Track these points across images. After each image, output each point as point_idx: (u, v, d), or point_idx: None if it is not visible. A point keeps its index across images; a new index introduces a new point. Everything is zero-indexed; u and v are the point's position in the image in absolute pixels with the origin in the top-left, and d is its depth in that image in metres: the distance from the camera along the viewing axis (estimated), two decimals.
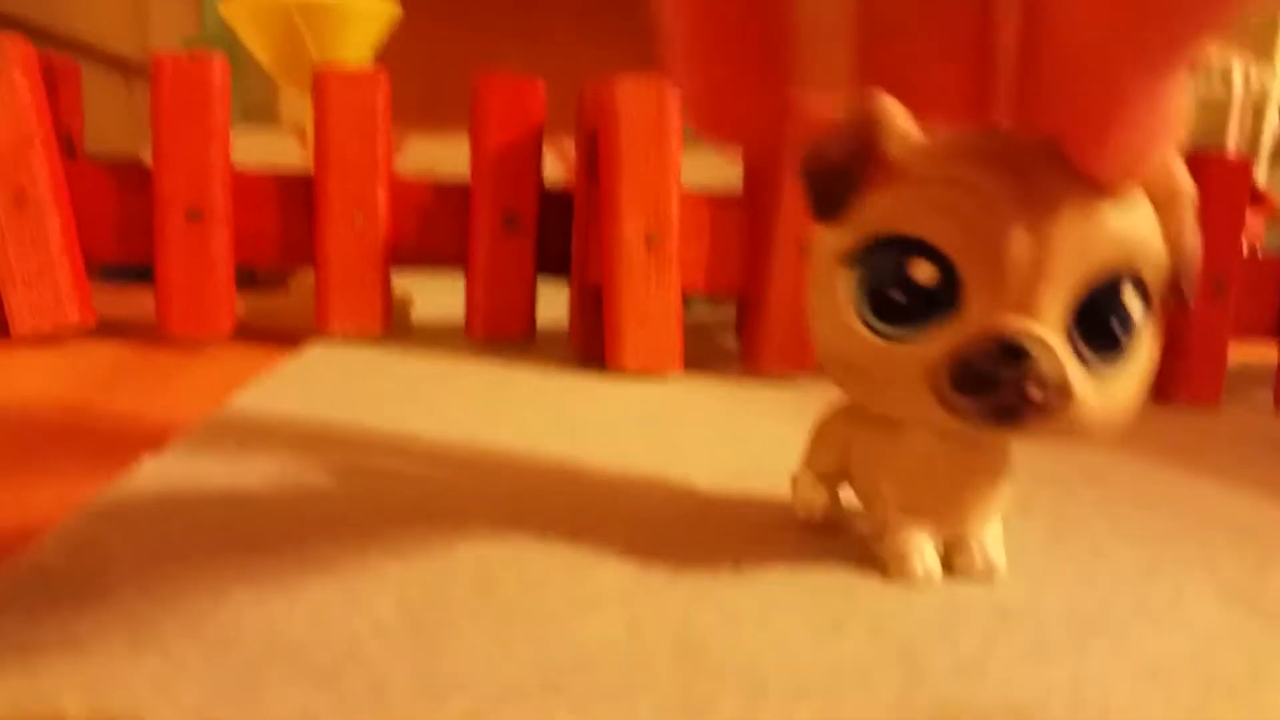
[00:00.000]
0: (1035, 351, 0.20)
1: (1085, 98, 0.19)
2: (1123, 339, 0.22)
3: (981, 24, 0.22)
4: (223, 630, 0.20)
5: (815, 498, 0.29)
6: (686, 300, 0.55)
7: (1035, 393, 0.20)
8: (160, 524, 0.26)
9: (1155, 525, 0.33)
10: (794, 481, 0.30)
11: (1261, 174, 2.29)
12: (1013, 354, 0.20)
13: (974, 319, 0.21)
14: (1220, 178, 0.59)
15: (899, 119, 0.21)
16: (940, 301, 0.21)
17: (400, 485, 0.31)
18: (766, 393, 0.52)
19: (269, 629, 0.21)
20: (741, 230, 0.55)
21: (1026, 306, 0.21)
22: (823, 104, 0.21)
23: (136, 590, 0.22)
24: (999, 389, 0.21)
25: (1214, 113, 2.28)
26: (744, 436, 0.42)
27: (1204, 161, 0.60)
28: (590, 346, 0.55)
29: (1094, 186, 0.21)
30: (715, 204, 0.55)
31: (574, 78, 0.60)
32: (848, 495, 0.29)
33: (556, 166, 0.86)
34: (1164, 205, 0.22)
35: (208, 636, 0.20)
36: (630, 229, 0.52)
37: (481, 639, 0.21)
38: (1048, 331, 0.21)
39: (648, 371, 0.53)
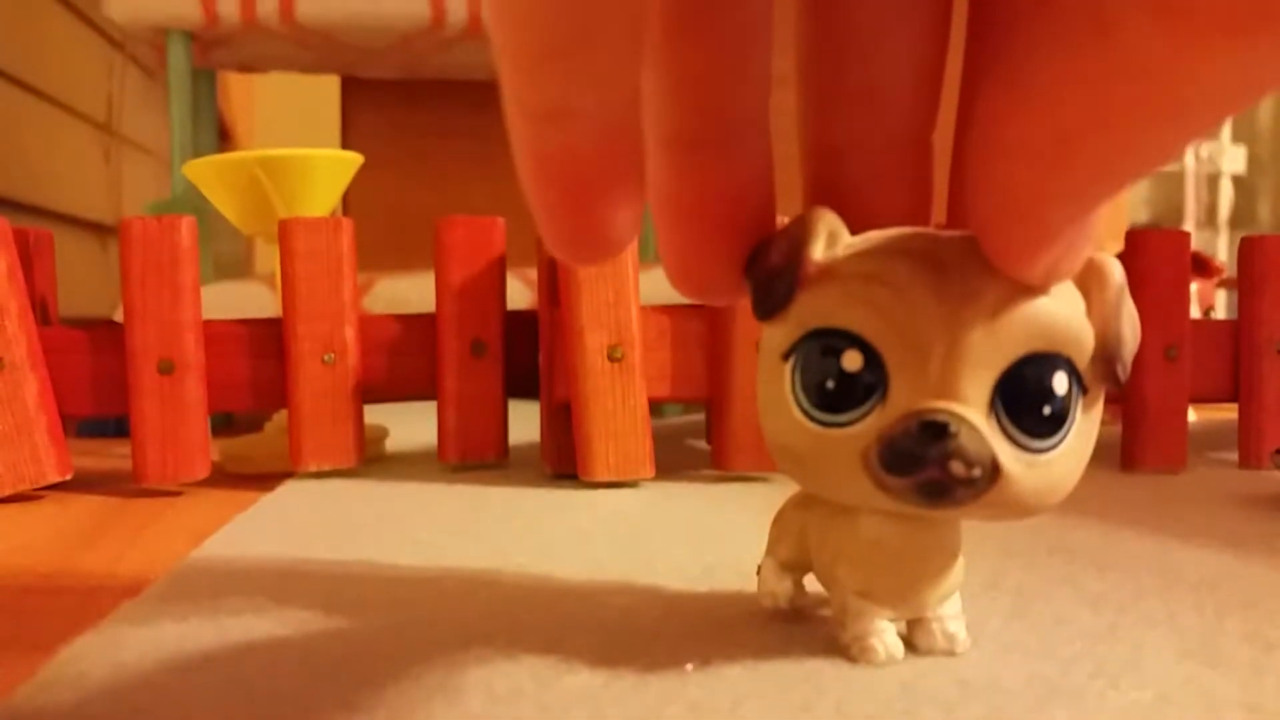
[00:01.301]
0: (955, 428, 0.21)
1: (1016, 228, 0.19)
2: (1053, 420, 0.22)
3: (923, 132, 0.24)
4: None
5: (778, 587, 0.30)
6: (659, 406, 0.56)
7: (958, 468, 0.21)
8: (136, 667, 0.26)
9: (1118, 588, 0.34)
10: (759, 572, 0.31)
11: (1221, 242, 2.34)
12: (934, 432, 0.21)
13: (899, 403, 0.22)
14: (1161, 250, 0.61)
15: (830, 224, 0.23)
16: (870, 388, 0.22)
17: (372, 614, 0.32)
18: (736, 490, 0.53)
19: None
20: (703, 338, 0.57)
21: (947, 389, 0.22)
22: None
23: None
24: (924, 466, 0.21)
25: (1170, 186, 2.34)
26: (713, 534, 0.43)
27: (1145, 235, 0.62)
28: (562, 461, 0.56)
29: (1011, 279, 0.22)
30: (675, 315, 0.57)
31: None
32: (812, 581, 0.30)
33: (524, 293, 0.88)
34: (1089, 291, 0.23)
35: None
36: (593, 345, 0.54)
37: None
38: (970, 411, 0.22)
39: (619, 480, 0.54)
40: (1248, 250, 0.63)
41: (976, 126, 0.18)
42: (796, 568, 0.29)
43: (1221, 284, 0.86)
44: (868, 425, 0.22)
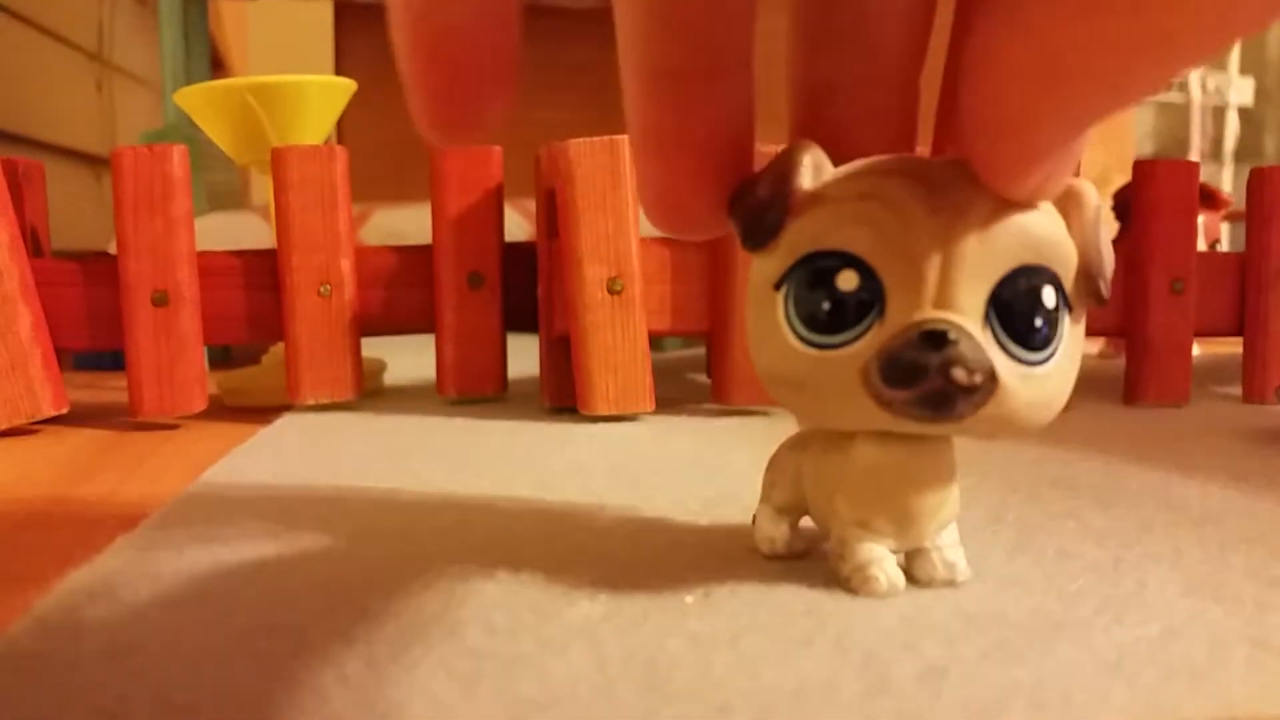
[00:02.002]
0: (955, 336, 0.21)
1: (1005, 148, 0.19)
2: (1044, 332, 0.23)
3: (911, 72, 0.24)
4: (189, 697, 0.21)
5: (775, 532, 0.29)
6: (660, 340, 0.55)
7: (960, 374, 0.21)
8: (132, 599, 0.26)
9: (1122, 523, 0.33)
10: (754, 519, 0.30)
11: (1226, 175, 2.32)
12: (934, 340, 0.21)
13: (897, 318, 0.22)
14: (1169, 181, 0.60)
15: (815, 156, 0.23)
16: (866, 307, 0.23)
17: (371, 544, 0.31)
18: (736, 425, 0.53)
19: (237, 692, 0.21)
20: (703, 271, 0.56)
21: (944, 301, 0.22)
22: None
23: (106, 666, 0.22)
24: (926, 375, 0.21)
25: (1175, 118, 2.32)
26: (714, 468, 0.42)
27: (1152, 166, 0.61)
28: (562, 395, 0.56)
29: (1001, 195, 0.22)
30: (676, 247, 0.56)
31: (535, 142, 0.61)
32: (808, 526, 0.29)
33: (523, 225, 0.87)
34: (1068, 212, 0.23)
35: (176, 703, 0.20)
36: (592, 278, 0.53)
37: (447, 686, 0.21)
38: (967, 321, 0.22)
39: (619, 414, 0.53)
40: (1257, 182, 0.62)
41: (970, 51, 0.18)
42: (792, 511, 0.29)
43: (1228, 217, 0.85)
44: (866, 343, 0.22)
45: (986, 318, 0.22)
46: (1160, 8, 0.15)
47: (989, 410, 0.22)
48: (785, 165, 0.23)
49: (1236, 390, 0.64)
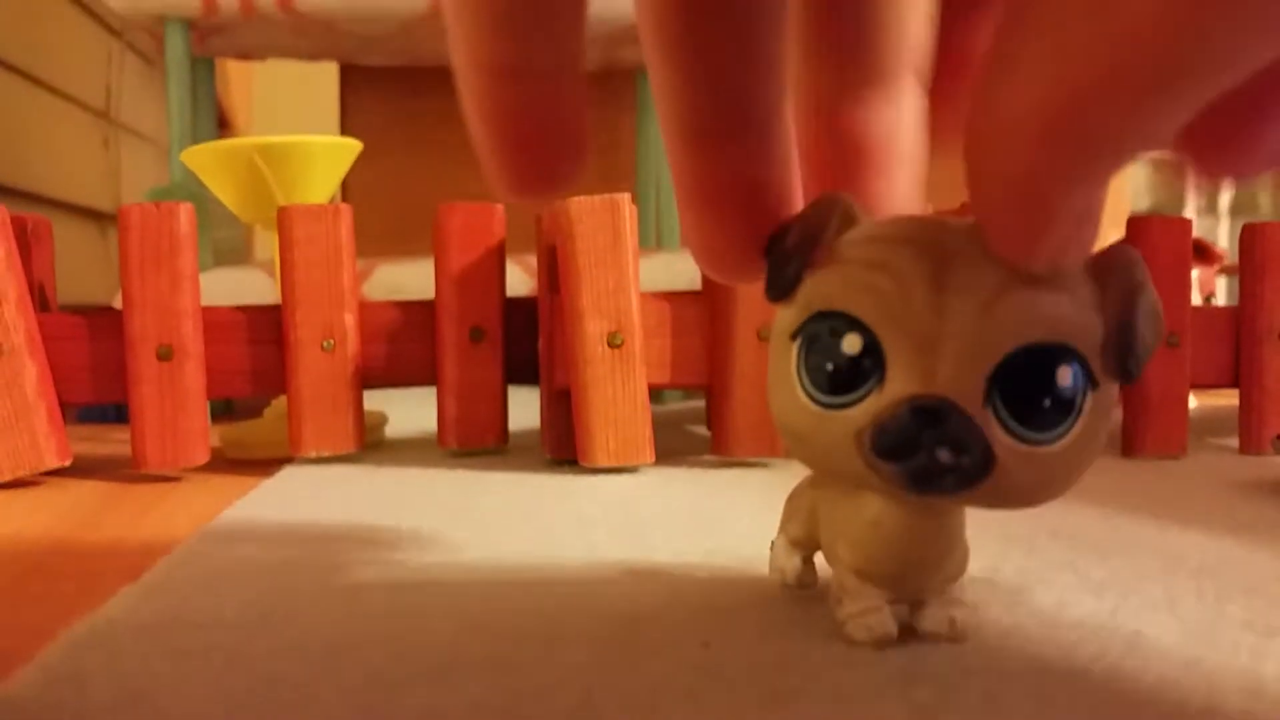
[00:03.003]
0: (946, 415, 0.21)
1: (1016, 209, 0.19)
2: (1056, 413, 0.22)
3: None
4: None
5: (787, 564, 0.30)
6: (659, 393, 0.56)
7: (945, 456, 0.21)
8: (136, 649, 0.26)
9: (1119, 574, 0.34)
10: (771, 548, 0.31)
11: (1222, 230, 2.34)
12: (925, 420, 0.21)
13: (895, 388, 0.22)
14: (1162, 237, 0.61)
15: (845, 208, 0.23)
16: (868, 372, 0.22)
17: (371, 600, 0.32)
18: (736, 476, 0.53)
19: None
20: (703, 324, 0.57)
21: (943, 378, 0.22)
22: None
23: (111, 715, 0.22)
24: (914, 452, 0.21)
25: (1171, 175, 2.34)
26: (713, 519, 0.43)
27: (1146, 222, 0.62)
28: (562, 447, 0.56)
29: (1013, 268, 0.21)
30: (675, 301, 0.57)
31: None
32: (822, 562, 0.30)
33: (524, 280, 0.87)
34: (1105, 282, 0.22)
35: None
36: (593, 332, 0.54)
37: None
38: (963, 400, 0.22)
39: (619, 466, 0.54)
40: (1249, 236, 0.63)
41: (974, 104, 0.18)
42: (806, 545, 0.30)
43: (1222, 271, 0.86)
44: (864, 408, 0.22)
45: (989, 396, 0.22)
46: (1168, 36, 0.14)
47: (986, 487, 0.22)
48: (814, 217, 0.23)
49: (1233, 442, 0.64)
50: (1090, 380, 0.22)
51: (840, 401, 0.23)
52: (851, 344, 0.23)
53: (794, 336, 0.24)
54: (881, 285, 0.22)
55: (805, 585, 0.30)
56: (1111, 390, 0.23)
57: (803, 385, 0.23)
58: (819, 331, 0.23)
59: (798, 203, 0.23)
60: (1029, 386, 0.22)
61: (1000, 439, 0.22)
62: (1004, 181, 0.18)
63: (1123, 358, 0.22)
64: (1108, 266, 0.22)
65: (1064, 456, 0.22)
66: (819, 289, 0.23)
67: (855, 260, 0.23)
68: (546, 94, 0.19)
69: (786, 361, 0.24)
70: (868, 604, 0.26)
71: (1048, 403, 0.22)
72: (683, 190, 0.22)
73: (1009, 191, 0.18)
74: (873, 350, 0.22)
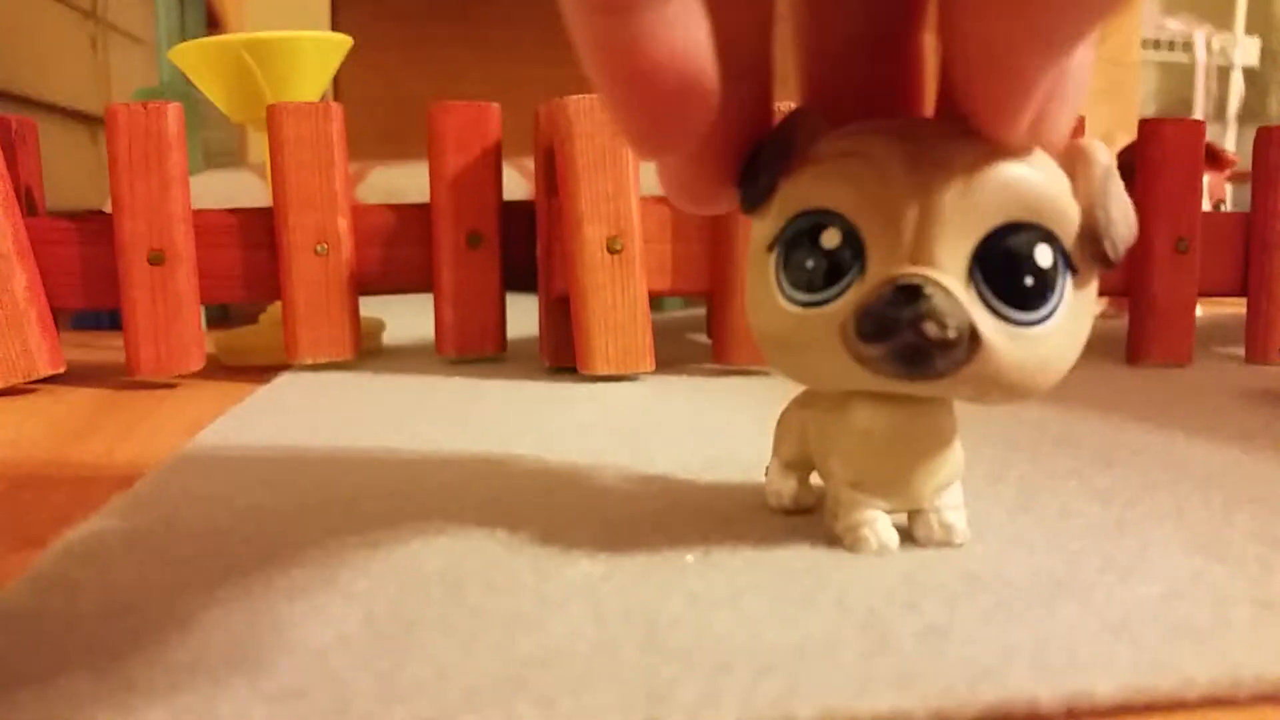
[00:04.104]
0: (929, 291, 0.21)
1: (993, 78, 0.20)
2: (1037, 291, 0.22)
3: (912, 29, 0.24)
4: (187, 655, 0.21)
5: (783, 486, 0.29)
6: (660, 300, 0.55)
7: (932, 329, 0.21)
8: (127, 558, 0.26)
9: (1125, 483, 0.33)
10: (767, 471, 0.30)
11: (1230, 135, 2.31)
12: (906, 295, 0.21)
13: (876, 274, 0.22)
14: (1174, 140, 0.59)
15: (813, 119, 0.23)
16: (848, 265, 0.23)
17: (369, 504, 0.31)
18: (736, 385, 0.52)
19: (234, 651, 0.21)
20: (704, 231, 0.56)
21: (923, 257, 0.22)
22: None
23: (102, 624, 0.22)
24: (898, 329, 0.21)
25: (1180, 78, 2.30)
26: (714, 428, 0.42)
27: (1158, 125, 0.60)
28: (561, 355, 0.55)
29: (989, 147, 0.22)
30: (676, 207, 0.55)
31: (533, 100, 0.60)
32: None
33: (522, 184, 0.86)
34: (1074, 172, 0.23)
35: (171, 661, 0.20)
36: (592, 237, 0.53)
37: (447, 644, 0.21)
38: (946, 277, 0.22)
39: (619, 374, 0.53)
40: (1263, 141, 0.62)
41: None
42: (800, 466, 0.29)
43: (1232, 177, 0.84)
44: (846, 300, 0.22)
45: (971, 275, 0.22)
46: None
47: (973, 369, 0.22)
48: (785, 131, 0.23)
49: (1239, 351, 0.64)
50: (1069, 265, 0.23)
51: (822, 298, 0.23)
52: (830, 238, 0.23)
53: (771, 247, 0.24)
54: (856, 171, 0.22)
55: (802, 506, 0.29)
56: (1093, 279, 0.23)
57: (783, 290, 0.23)
58: (796, 232, 0.23)
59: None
60: (1010, 265, 0.22)
61: (985, 317, 0.22)
62: (983, 52, 0.19)
63: (1098, 241, 0.22)
64: (1074, 158, 0.23)
65: (1050, 341, 0.23)
66: (793, 192, 0.23)
67: (825, 154, 0.23)
68: (659, 28, 0.18)
69: (765, 273, 0.24)
70: (864, 515, 0.26)
71: (1029, 281, 0.22)
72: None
73: (988, 61, 0.19)
74: (851, 241, 0.22)
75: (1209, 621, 0.22)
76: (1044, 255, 0.22)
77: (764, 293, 0.24)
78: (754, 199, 0.23)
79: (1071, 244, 0.22)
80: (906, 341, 0.21)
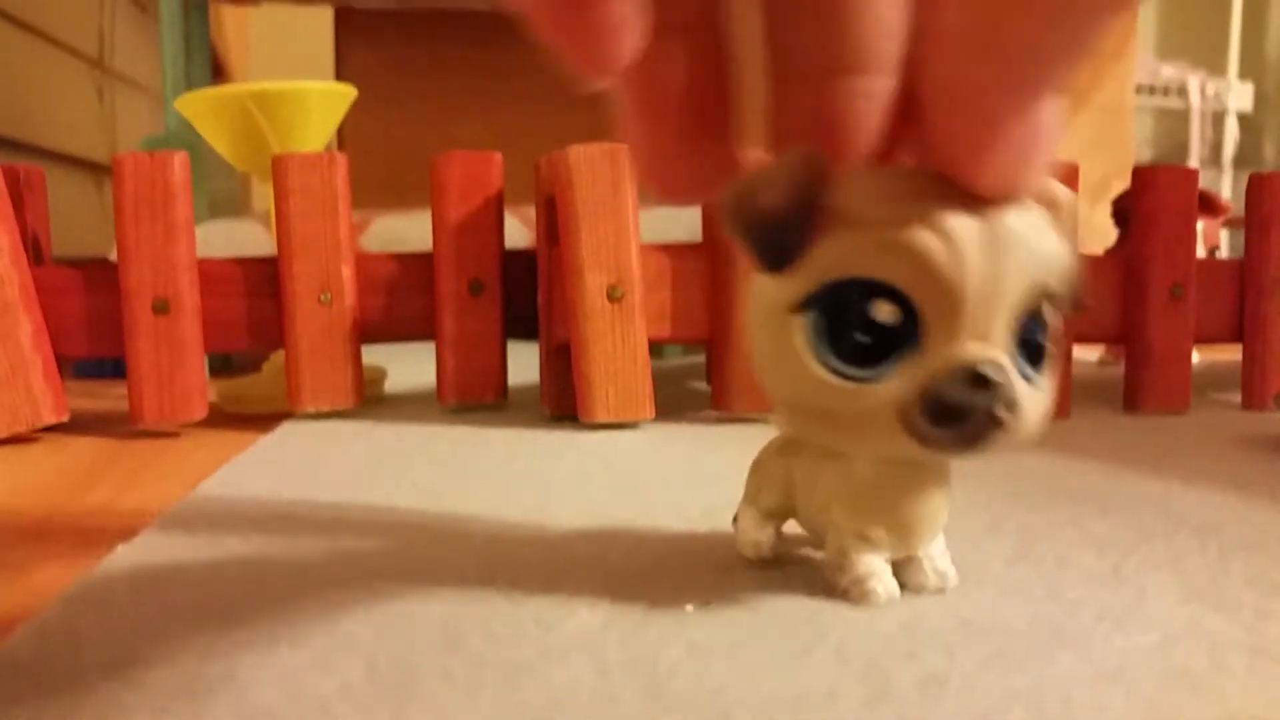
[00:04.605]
0: (999, 378, 0.21)
1: (960, 123, 0.20)
2: (1046, 349, 0.23)
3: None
4: (193, 706, 0.21)
5: (761, 536, 0.29)
6: (660, 348, 0.55)
7: (1004, 414, 0.21)
8: (132, 608, 0.26)
9: (1122, 530, 0.33)
10: (736, 521, 0.30)
11: (1225, 181, 2.32)
12: (982, 383, 0.21)
13: (936, 352, 0.22)
14: (1168, 188, 0.60)
15: (822, 163, 0.22)
16: (902, 339, 0.22)
17: (371, 553, 0.31)
18: (736, 432, 0.53)
19: (239, 701, 0.21)
20: (703, 278, 0.56)
21: (982, 333, 0.21)
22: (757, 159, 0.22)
23: (107, 675, 0.22)
24: (972, 417, 0.21)
25: (1175, 124, 2.32)
26: (713, 476, 0.42)
27: (1152, 172, 0.61)
28: (562, 403, 0.56)
29: (1031, 214, 0.22)
30: (676, 254, 0.56)
31: (535, 149, 0.61)
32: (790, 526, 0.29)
33: (523, 232, 0.87)
34: (1049, 216, 0.23)
35: (177, 712, 0.20)
36: (592, 285, 0.53)
37: (449, 694, 0.21)
38: (1001, 355, 0.22)
39: (619, 422, 0.53)
40: (1256, 187, 0.62)
41: (918, 33, 0.20)
42: (779, 516, 0.29)
43: (1227, 223, 0.85)
44: (903, 378, 0.22)
45: (1012, 345, 0.22)
46: None
47: (1010, 435, 0.22)
48: (804, 178, 0.21)
49: (1236, 398, 0.64)
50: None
51: (873, 374, 0.22)
52: (886, 312, 0.22)
53: (799, 309, 0.22)
54: (920, 245, 0.21)
55: (778, 557, 0.29)
56: (1059, 324, 0.24)
57: (821, 359, 0.22)
58: (841, 302, 0.22)
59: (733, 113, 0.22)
60: (1032, 329, 0.22)
61: (1020, 386, 0.22)
62: (950, 95, 0.19)
63: (1076, 288, 0.23)
64: (1050, 205, 0.22)
65: (1048, 392, 0.23)
66: (834, 255, 0.22)
67: (878, 221, 0.21)
68: (687, 87, 0.19)
69: (787, 335, 0.22)
70: (871, 567, 0.26)
71: (1042, 340, 0.22)
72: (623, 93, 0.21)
73: (956, 104, 0.19)
74: (908, 315, 0.22)
75: (1205, 669, 0.22)
76: (1050, 313, 0.23)
77: (788, 358, 0.23)
78: (780, 258, 0.22)
79: (1062, 295, 0.23)
80: (977, 427, 0.21)
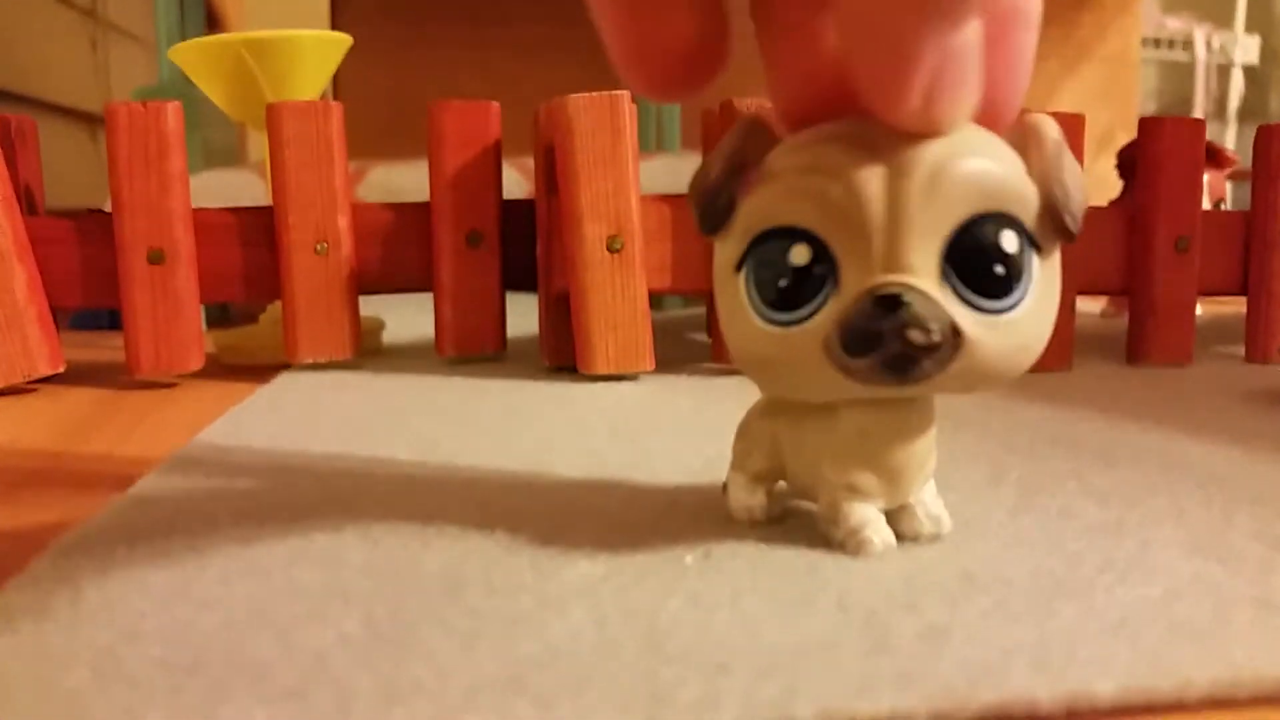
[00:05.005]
0: (908, 298, 0.21)
1: (874, 51, 0.20)
2: (1008, 279, 0.22)
3: None
4: (189, 655, 0.21)
5: (752, 500, 0.29)
6: (660, 299, 0.55)
7: (917, 335, 0.21)
8: (127, 559, 0.26)
9: (1124, 482, 0.33)
10: (726, 487, 0.30)
11: (1230, 134, 2.31)
12: (887, 305, 0.22)
13: (852, 286, 0.22)
14: (1174, 139, 0.59)
15: (762, 128, 0.23)
16: (821, 280, 0.23)
17: (369, 503, 0.31)
18: (736, 384, 0.52)
19: (235, 652, 0.21)
20: None
21: (895, 263, 0.22)
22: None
23: (104, 624, 0.22)
24: (883, 340, 0.22)
25: (1180, 77, 2.30)
26: (713, 428, 0.42)
27: (1158, 123, 0.60)
28: (561, 354, 0.55)
29: (945, 144, 0.22)
30: (677, 205, 0.56)
31: (533, 99, 0.60)
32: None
33: (521, 183, 0.86)
34: (1026, 150, 0.23)
35: (173, 663, 0.20)
36: (592, 235, 0.53)
37: (447, 644, 0.21)
38: (921, 281, 0.22)
39: (619, 373, 0.53)
40: (1263, 140, 0.62)
41: None
42: (768, 478, 0.29)
43: (1233, 176, 0.84)
44: (825, 315, 0.22)
45: (943, 273, 0.22)
46: None
47: (959, 365, 0.22)
48: (736, 144, 0.23)
49: (1239, 350, 0.63)
50: (1034, 244, 0.23)
51: (800, 316, 0.23)
52: (799, 254, 0.23)
53: (739, 267, 0.23)
54: (819, 186, 0.22)
55: (773, 519, 0.29)
56: (1055, 252, 0.23)
57: (757, 311, 0.23)
58: (763, 252, 0.23)
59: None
60: (979, 257, 0.22)
61: (963, 313, 0.22)
62: (861, 22, 0.19)
63: (1059, 217, 0.23)
64: (1025, 136, 0.23)
65: (1026, 323, 0.23)
66: (755, 210, 0.23)
67: (785, 169, 0.23)
68: None
69: (735, 294, 0.24)
70: (865, 516, 0.26)
71: (1000, 270, 0.22)
72: None
73: (867, 32, 0.19)
74: (822, 255, 0.22)
75: (1209, 622, 0.22)
76: (1010, 241, 0.22)
77: (737, 314, 0.24)
78: (714, 221, 0.23)
79: (1033, 223, 0.23)
80: (893, 351, 0.22)
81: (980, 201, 0.22)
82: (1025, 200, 0.22)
